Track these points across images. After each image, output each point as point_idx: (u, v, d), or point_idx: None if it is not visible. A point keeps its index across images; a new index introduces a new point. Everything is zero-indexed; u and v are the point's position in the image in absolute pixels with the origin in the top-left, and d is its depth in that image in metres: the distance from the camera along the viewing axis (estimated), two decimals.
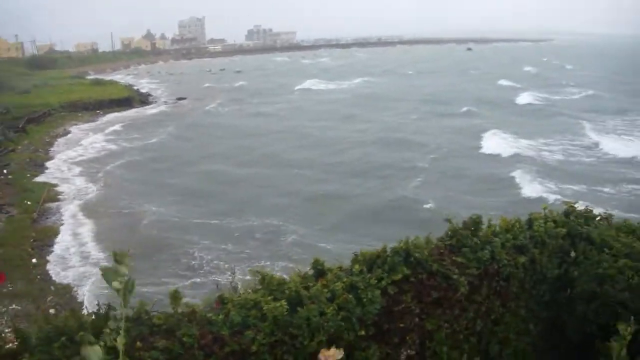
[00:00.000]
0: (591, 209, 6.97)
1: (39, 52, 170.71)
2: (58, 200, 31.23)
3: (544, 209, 6.77)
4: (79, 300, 19.42)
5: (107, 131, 53.67)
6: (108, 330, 3.23)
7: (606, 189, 31.83)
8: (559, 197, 28.88)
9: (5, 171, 36.17)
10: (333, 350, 4.22)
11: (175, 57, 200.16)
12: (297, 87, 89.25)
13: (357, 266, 5.27)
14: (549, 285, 6.29)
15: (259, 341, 4.49)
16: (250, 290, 4.97)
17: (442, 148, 42.92)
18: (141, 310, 4.37)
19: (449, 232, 5.93)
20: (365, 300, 4.99)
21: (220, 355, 4.41)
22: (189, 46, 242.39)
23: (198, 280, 21.20)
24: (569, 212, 6.81)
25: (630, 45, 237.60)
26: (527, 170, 35.43)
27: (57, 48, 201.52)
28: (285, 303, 4.67)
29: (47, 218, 28.28)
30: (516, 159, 38.63)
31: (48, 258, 23.39)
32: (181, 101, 76.67)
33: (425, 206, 28.75)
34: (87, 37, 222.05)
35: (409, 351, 5.33)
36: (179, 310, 4.51)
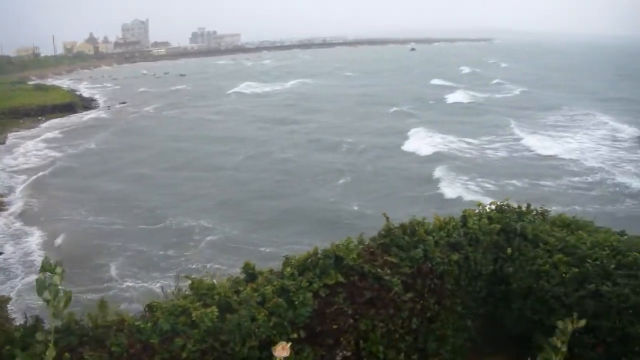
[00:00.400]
0: (527, 204, 7.09)
1: None
2: None
3: (478, 205, 6.89)
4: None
5: (47, 137, 52.51)
6: (36, 343, 3.21)
7: (520, 184, 32.12)
8: (477, 194, 29.31)
9: None
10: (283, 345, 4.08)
11: (118, 61, 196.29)
12: (234, 90, 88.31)
13: (288, 269, 5.32)
14: (485, 282, 6.39)
15: (189, 348, 4.46)
16: (179, 296, 4.99)
17: (368, 148, 42.93)
18: (71, 321, 4.32)
19: (383, 232, 6.03)
20: (296, 303, 5.02)
21: None
22: (133, 50, 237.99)
23: (125, 286, 20.92)
24: (504, 208, 6.96)
25: (578, 43, 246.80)
26: (446, 168, 35.59)
27: None
28: (215, 309, 4.66)
29: None
30: (438, 157, 38.75)
31: None
32: (122, 105, 75.70)
33: (340, 206, 28.95)
34: (29, 41, 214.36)
35: (344, 352, 5.35)
36: (108, 320, 4.49)
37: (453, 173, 34.49)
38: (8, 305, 19.09)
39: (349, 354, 5.38)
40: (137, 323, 4.52)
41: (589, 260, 5.81)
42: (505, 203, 7.01)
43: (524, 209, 7.00)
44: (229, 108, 69.89)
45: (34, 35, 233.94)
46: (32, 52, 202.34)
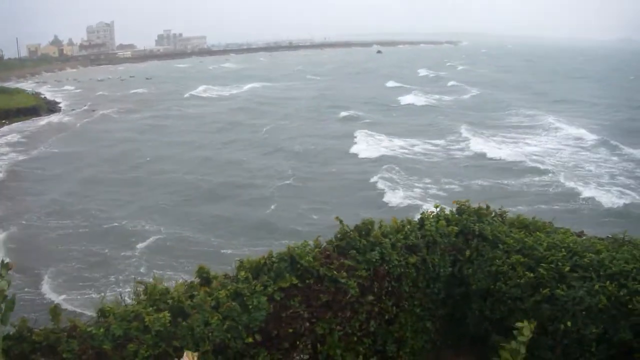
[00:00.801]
0: (486, 205, 7.10)
1: None
2: None
3: (436, 207, 6.88)
4: None
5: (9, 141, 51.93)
6: None
7: (466, 185, 32.66)
8: (417, 199, 29.95)
9: None
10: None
11: (83, 64, 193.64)
12: (190, 93, 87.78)
13: (242, 273, 5.28)
14: (444, 283, 6.39)
15: (142, 354, 4.42)
16: (132, 301, 4.90)
17: (315, 153, 43.09)
18: (23, 328, 4.26)
19: (338, 235, 5.98)
20: (251, 307, 5.00)
21: None
22: (98, 52, 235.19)
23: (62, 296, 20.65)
24: (462, 209, 6.94)
25: (544, 46, 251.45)
26: (389, 170, 35.86)
27: None
28: (168, 313, 4.61)
29: None
30: (383, 161, 38.92)
31: None
32: (82, 110, 75.30)
33: (280, 213, 28.94)
34: None
35: (301, 356, 5.34)
36: (61, 326, 4.41)
37: (396, 176, 34.74)
38: None
39: (306, 357, 5.39)
40: (89, 329, 4.47)
41: (544, 264, 5.83)
42: (463, 204, 7.03)
43: (481, 210, 7.02)
44: (183, 112, 69.68)
45: None
46: None
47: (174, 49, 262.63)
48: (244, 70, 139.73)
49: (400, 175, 34.96)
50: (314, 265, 5.46)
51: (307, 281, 5.40)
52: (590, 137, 45.55)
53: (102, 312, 4.70)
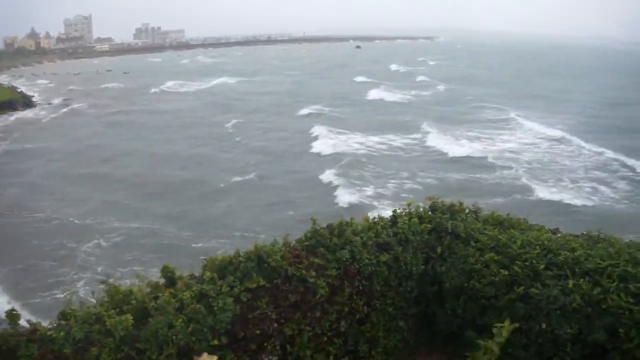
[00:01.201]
0: (459, 202, 7.04)
1: None
2: None
3: (409, 205, 6.74)
4: None
5: None
6: None
7: (424, 182, 33.53)
8: (372, 198, 30.74)
9: None
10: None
11: (61, 57, 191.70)
12: (159, 88, 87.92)
13: (208, 273, 5.15)
14: (416, 282, 6.31)
15: (104, 358, 4.33)
16: (96, 303, 4.78)
17: (276, 149, 43.84)
18: None
19: (308, 234, 5.88)
20: (216, 308, 4.88)
21: None
22: (76, 45, 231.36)
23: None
24: (435, 206, 6.86)
25: (522, 42, 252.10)
26: (346, 166, 36.76)
27: None
28: (130, 316, 4.51)
29: None
30: (341, 157, 39.84)
31: None
32: (59, 103, 75.80)
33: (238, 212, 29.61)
34: None
35: (270, 357, 5.26)
36: (20, 330, 4.29)
37: (351, 172, 35.60)
38: None
39: (275, 359, 5.30)
40: (49, 332, 4.35)
41: (518, 262, 5.75)
42: (435, 201, 6.92)
43: (455, 207, 6.95)
44: (153, 107, 70.26)
45: None
46: None
47: (152, 43, 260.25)
48: (219, 65, 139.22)
49: (356, 171, 35.84)
50: (282, 265, 5.35)
51: (275, 281, 5.31)
52: (552, 133, 47.11)
53: (63, 315, 4.58)
